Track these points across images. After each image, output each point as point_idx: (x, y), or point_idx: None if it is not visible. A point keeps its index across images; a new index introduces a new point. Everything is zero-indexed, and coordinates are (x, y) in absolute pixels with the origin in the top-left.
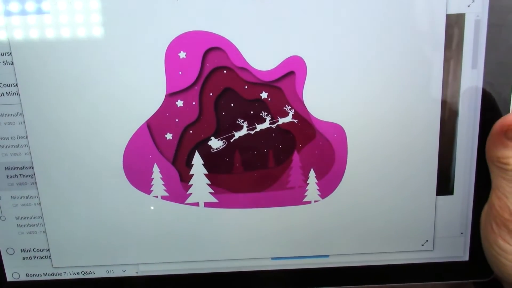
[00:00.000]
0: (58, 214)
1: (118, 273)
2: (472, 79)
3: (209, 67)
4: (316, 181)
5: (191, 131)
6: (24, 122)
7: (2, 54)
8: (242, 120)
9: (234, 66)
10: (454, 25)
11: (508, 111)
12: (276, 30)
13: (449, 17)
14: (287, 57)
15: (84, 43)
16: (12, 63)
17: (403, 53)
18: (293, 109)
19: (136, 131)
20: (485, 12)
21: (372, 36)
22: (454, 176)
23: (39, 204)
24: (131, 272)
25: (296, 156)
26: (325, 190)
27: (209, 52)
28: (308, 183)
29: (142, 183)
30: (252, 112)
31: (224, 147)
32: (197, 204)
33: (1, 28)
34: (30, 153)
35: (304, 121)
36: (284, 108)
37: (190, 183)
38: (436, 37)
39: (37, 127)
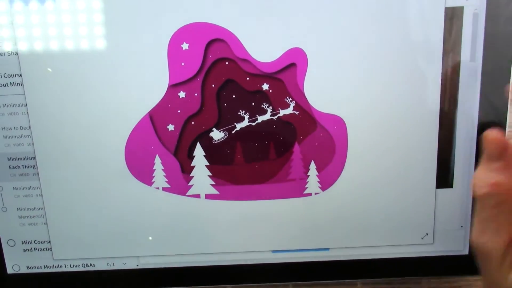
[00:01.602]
0: (59, 206)
1: (118, 265)
2: (470, 71)
3: (211, 58)
4: (317, 173)
5: (193, 123)
6: (27, 112)
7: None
8: (243, 112)
9: (236, 57)
10: (453, 18)
11: (506, 104)
12: (277, 22)
13: (447, 10)
14: (288, 49)
15: (88, 34)
16: (17, 53)
17: (402, 46)
18: (294, 101)
19: (138, 122)
20: (483, 5)
21: (372, 29)
22: (453, 169)
23: (41, 195)
24: (131, 264)
25: (297, 148)
26: (326, 182)
27: (211, 44)
28: (309, 175)
29: (143, 174)
30: (253, 104)
31: (226, 138)
32: (198, 196)
33: (6, 20)
34: (33, 143)
35: (305, 113)
36: (285, 99)
37: (191, 175)
38: (435, 29)
39: (40, 118)
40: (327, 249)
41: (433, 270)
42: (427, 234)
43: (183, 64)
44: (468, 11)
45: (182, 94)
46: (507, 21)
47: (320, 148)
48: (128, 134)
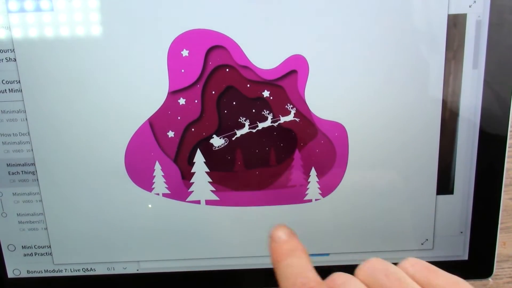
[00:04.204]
0: (59, 211)
1: (119, 270)
2: (473, 79)
3: (211, 65)
4: (317, 180)
5: (193, 129)
6: (26, 119)
7: (5, 51)
8: (244, 119)
9: (237, 64)
10: (456, 25)
11: (508, 111)
12: (278, 29)
13: (450, 17)
14: (289, 55)
15: (87, 40)
16: (15, 60)
17: (404, 53)
18: (294, 108)
19: (138, 129)
20: (487, 12)
21: (374, 36)
22: (454, 176)
23: (41, 201)
24: (132, 269)
25: (297, 155)
26: (326, 188)
27: (211, 50)
28: (309, 182)
29: (143, 180)
30: (254, 111)
31: (226, 145)
32: (198, 202)
33: (4, 25)
34: (32, 150)
35: (306, 120)
36: (286, 106)
37: (191, 181)
38: (438, 37)
39: (39, 124)
40: (327, 254)
41: None
42: (427, 239)
43: (183, 71)
44: (471, 18)
45: (182, 101)
46: (510, 29)
47: (321, 155)
48: (128, 141)
